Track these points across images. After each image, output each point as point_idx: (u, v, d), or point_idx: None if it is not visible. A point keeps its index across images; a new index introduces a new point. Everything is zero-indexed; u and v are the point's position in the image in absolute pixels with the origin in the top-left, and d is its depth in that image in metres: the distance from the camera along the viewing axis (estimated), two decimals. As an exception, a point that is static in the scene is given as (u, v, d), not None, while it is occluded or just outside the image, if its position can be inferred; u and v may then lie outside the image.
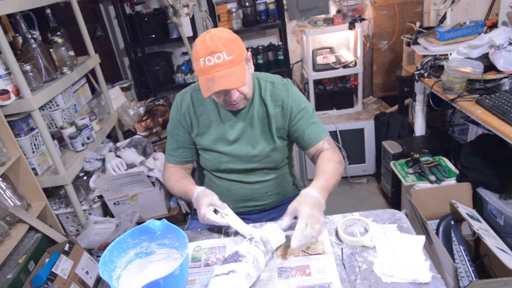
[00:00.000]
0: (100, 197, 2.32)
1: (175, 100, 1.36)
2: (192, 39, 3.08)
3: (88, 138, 2.34)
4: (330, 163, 1.21)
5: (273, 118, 1.29)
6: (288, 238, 1.07)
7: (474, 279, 1.61)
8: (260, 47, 3.18)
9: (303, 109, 1.29)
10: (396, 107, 2.81)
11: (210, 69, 1.09)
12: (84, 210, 2.27)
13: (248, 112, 1.29)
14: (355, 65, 2.75)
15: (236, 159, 1.33)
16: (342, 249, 1.05)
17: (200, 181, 1.52)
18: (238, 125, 1.29)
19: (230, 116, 1.29)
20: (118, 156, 2.34)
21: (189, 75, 3.16)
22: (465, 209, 1.82)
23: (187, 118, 1.32)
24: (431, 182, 2.00)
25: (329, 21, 2.72)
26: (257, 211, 1.44)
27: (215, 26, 2.90)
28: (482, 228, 1.69)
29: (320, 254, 1.05)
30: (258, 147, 1.31)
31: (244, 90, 1.18)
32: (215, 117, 1.31)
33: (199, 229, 1.25)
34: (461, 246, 1.71)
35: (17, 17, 1.93)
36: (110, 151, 2.45)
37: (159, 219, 1.01)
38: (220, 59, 1.08)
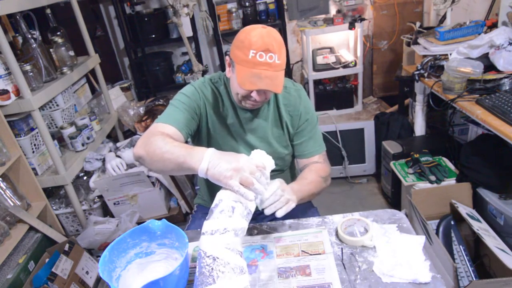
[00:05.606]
0: (100, 197, 2.32)
1: (190, 85, 1.28)
2: (192, 39, 3.08)
3: (88, 138, 2.34)
4: (314, 174, 1.26)
5: (284, 122, 1.32)
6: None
7: (474, 279, 1.61)
8: (260, 47, 3.17)
9: (309, 119, 1.32)
10: (396, 107, 2.81)
11: (259, 64, 1.08)
12: (84, 210, 2.27)
13: (263, 113, 1.30)
14: (355, 65, 2.75)
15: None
16: (342, 249, 1.05)
17: (201, 180, 1.50)
18: (253, 123, 1.30)
19: (247, 115, 1.29)
20: (118, 156, 2.34)
21: (189, 75, 3.16)
22: (465, 209, 1.82)
23: (202, 107, 1.26)
24: (431, 182, 2.00)
25: (329, 21, 2.72)
26: (260, 211, 1.43)
27: (215, 26, 2.90)
28: (482, 228, 1.69)
29: (320, 254, 1.05)
30: (273, 147, 1.32)
31: (270, 95, 1.21)
32: (232, 115, 1.29)
33: (199, 229, 1.24)
34: (461, 246, 1.71)
35: (17, 17, 1.93)
36: (110, 151, 2.45)
37: (159, 219, 1.01)
38: (272, 59, 1.08)
